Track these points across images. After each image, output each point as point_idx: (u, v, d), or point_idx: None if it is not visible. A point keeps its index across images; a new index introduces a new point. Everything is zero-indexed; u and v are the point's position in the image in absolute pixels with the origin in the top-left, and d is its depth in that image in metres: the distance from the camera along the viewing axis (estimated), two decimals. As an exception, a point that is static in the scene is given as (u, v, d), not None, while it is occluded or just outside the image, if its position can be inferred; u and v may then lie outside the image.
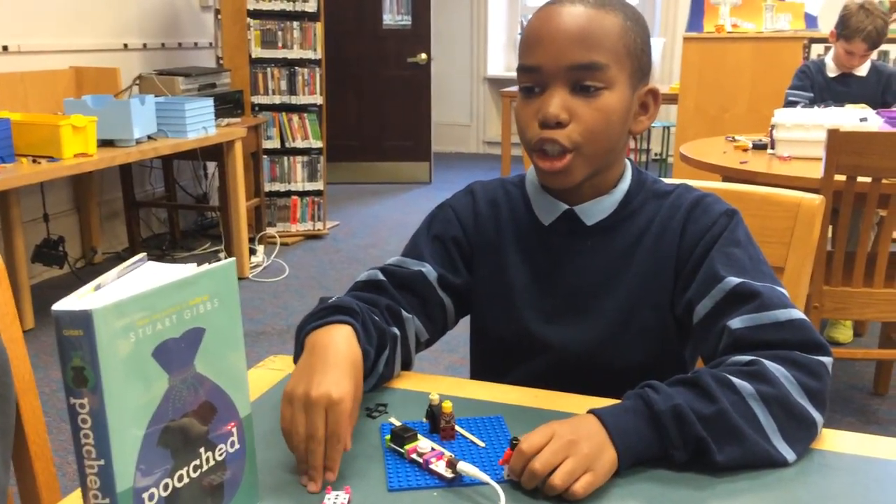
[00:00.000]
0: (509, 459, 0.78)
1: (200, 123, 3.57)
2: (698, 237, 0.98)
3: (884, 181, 2.10)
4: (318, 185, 4.66)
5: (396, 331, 0.99)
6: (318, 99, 4.56)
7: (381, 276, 1.03)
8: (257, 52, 4.41)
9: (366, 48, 6.13)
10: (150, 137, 3.41)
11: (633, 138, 5.47)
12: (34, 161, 2.91)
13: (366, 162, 6.28)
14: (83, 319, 0.58)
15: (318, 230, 4.70)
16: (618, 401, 0.83)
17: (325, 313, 0.91)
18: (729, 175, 2.54)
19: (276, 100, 4.51)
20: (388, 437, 0.84)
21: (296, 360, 0.90)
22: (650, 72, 0.99)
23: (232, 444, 0.72)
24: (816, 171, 2.21)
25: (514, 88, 1.13)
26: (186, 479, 0.67)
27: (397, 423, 0.87)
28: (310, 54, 4.51)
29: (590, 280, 1.02)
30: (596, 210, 1.02)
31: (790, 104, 3.27)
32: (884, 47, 4.26)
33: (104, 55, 4.15)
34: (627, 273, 1.01)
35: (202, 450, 0.69)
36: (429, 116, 6.25)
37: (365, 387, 0.96)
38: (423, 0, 6.04)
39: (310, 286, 3.83)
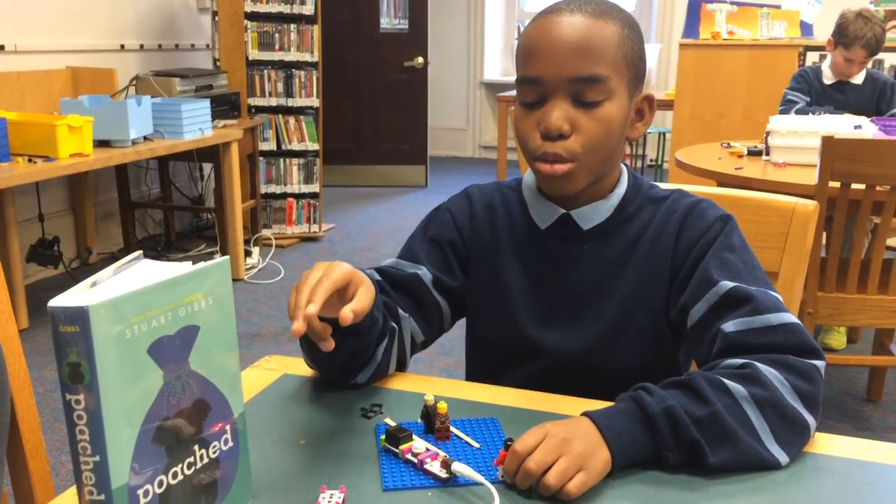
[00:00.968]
0: (504, 460, 0.78)
1: (197, 125, 3.57)
2: (693, 242, 0.98)
3: (877, 188, 2.12)
4: (314, 188, 4.66)
5: (395, 325, 1.00)
6: (315, 102, 4.57)
7: (377, 276, 1.04)
8: (254, 54, 4.41)
9: (363, 52, 6.13)
10: (146, 138, 3.41)
11: (628, 144, 5.44)
12: (30, 160, 2.90)
13: (362, 165, 6.28)
14: (79, 316, 0.58)
15: (314, 232, 4.70)
16: (612, 403, 0.83)
17: None
18: (724, 181, 2.55)
19: (273, 102, 4.51)
20: (383, 437, 0.85)
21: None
22: (645, 78, 1.00)
23: (226, 442, 0.72)
24: (811, 178, 2.22)
25: (511, 93, 1.13)
26: (181, 476, 0.67)
27: (392, 424, 0.87)
28: (307, 57, 4.51)
29: (585, 284, 1.02)
30: (592, 215, 1.02)
31: (788, 103, 3.28)
32: (879, 56, 4.28)
33: (101, 56, 4.15)
34: (623, 277, 1.01)
35: (196, 447, 0.69)
36: (425, 120, 6.25)
37: (361, 378, 0.96)
38: (420, 4, 6.05)
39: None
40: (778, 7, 4.45)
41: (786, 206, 1.25)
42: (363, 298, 0.83)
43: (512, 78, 1.01)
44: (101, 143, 3.22)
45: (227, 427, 0.72)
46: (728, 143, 3.15)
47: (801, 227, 1.23)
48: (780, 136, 2.68)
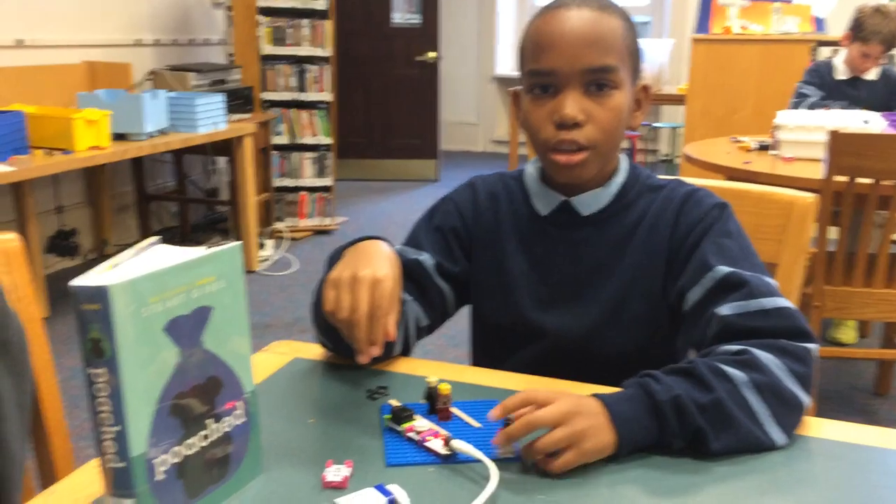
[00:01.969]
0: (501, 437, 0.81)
1: (211, 119, 3.61)
2: (690, 228, 1.02)
3: (883, 183, 2.13)
4: (327, 181, 4.71)
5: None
6: (328, 96, 4.61)
7: None
8: (268, 48, 4.46)
9: (375, 46, 6.17)
10: (161, 132, 3.46)
11: (640, 139, 5.41)
12: (48, 153, 2.96)
13: (374, 159, 6.32)
14: (101, 294, 0.62)
15: (327, 225, 4.75)
16: (613, 388, 0.86)
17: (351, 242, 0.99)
18: (732, 175, 2.56)
19: (286, 96, 4.55)
20: (387, 416, 0.88)
21: (316, 306, 1.00)
22: (640, 69, 1.03)
23: (237, 418, 0.76)
24: (818, 172, 2.24)
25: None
26: (196, 448, 0.71)
27: (397, 404, 0.91)
28: (319, 52, 4.55)
29: (584, 269, 1.05)
30: (591, 202, 1.05)
31: (801, 97, 3.28)
32: (893, 52, 4.27)
33: (117, 50, 4.21)
34: (621, 262, 1.04)
35: (210, 421, 0.73)
36: (437, 115, 6.29)
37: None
38: (432, -1, 6.09)
39: (317, 280, 3.87)
40: (790, 2, 4.45)
41: (785, 199, 1.27)
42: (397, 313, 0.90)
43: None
44: (118, 137, 3.27)
45: (239, 404, 0.76)
46: (737, 138, 3.16)
47: (799, 220, 1.25)
48: (788, 131, 2.69)
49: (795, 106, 3.27)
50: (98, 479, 0.66)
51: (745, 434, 0.82)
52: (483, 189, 1.13)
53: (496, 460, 0.80)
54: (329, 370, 1.04)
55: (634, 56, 1.01)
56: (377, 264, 0.90)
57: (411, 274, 1.07)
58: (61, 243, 3.71)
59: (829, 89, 3.33)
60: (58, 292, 3.41)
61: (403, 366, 1.05)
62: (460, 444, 0.81)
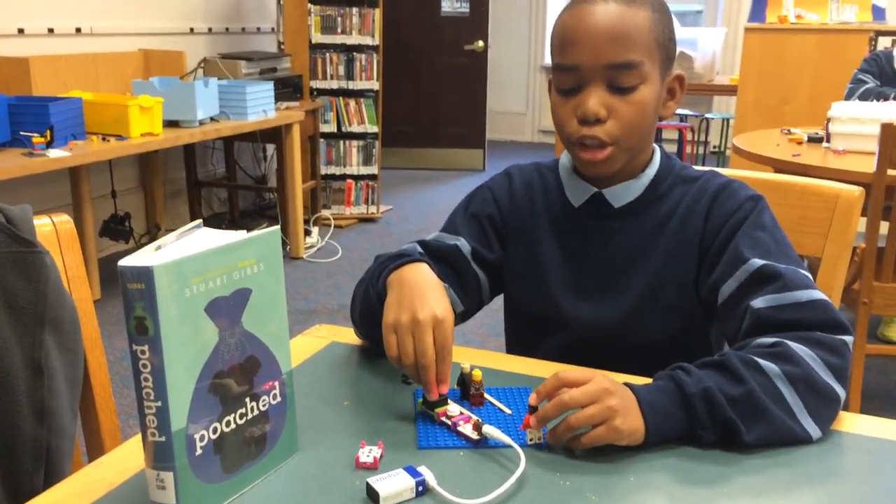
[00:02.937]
0: (529, 423, 0.82)
1: (261, 106, 3.68)
2: (723, 220, 1.01)
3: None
4: (373, 170, 4.75)
5: None
6: (375, 84, 4.64)
7: (418, 248, 1.09)
8: (317, 37, 4.51)
9: (423, 35, 6.18)
10: (212, 119, 3.54)
11: (690, 130, 5.29)
12: (104, 139, 3.05)
13: (420, 148, 6.35)
14: (145, 274, 0.64)
15: (372, 213, 4.79)
16: (645, 379, 0.87)
17: (395, 259, 1.00)
18: (781, 167, 2.52)
19: (334, 85, 4.60)
20: (420, 400, 0.90)
21: (363, 309, 1.01)
22: (675, 57, 1.03)
23: (274, 398, 0.78)
24: (870, 166, 2.18)
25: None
26: (233, 425, 0.74)
27: (430, 389, 0.92)
28: (368, 40, 4.58)
29: (617, 259, 1.06)
30: (624, 193, 1.06)
31: (858, 82, 3.21)
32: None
33: (171, 38, 4.30)
34: (653, 253, 1.04)
35: (248, 400, 0.75)
36: (484, 104, 6.28)
37: None
38: (481, -12, 6.07)
39: (361, 268, 3.89)
40: (849, -10, 4.33)
41: (830, 192, 1.25)
42: None
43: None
44: (170, 124, 3.35)
45: (276, 384, 0.79)
46: (788, 130, 3.10)
47: (844, 213, 1.23)
48: (841, 123, 2.63)
49: (852, 92, 3.20)
50: (142, 454, 0.70)
51: (779, 426, 0.82)
52: (519, 178, 1.14)
53: (525, 446, 0.82)
54: (365, 354, 1.06)
55: (665, 47, 1.00)
56: (433, 300, 0.89)
57: (448, 259, 1.09)
58: (115, 227, 3.81)
59: (887, 79, 3.24)
60: (110, 275, 3.52)
61: (438, 352, 1.06)
62: (491, 430, 0.83)
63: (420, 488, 0.74)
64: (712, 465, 0.81)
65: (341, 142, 4.69)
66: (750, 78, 4.24)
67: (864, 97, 3.09)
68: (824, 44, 4.09)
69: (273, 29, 5.11)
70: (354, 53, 4.60)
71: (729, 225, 1.00)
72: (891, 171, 2.09)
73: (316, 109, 4.51)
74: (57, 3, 3.70)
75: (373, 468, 0.79)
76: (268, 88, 3.74)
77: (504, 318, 1.20)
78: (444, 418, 0.87)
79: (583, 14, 0.97)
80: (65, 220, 1.06)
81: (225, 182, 4.70)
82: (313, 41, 4.51)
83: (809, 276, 0.94)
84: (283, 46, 4.61)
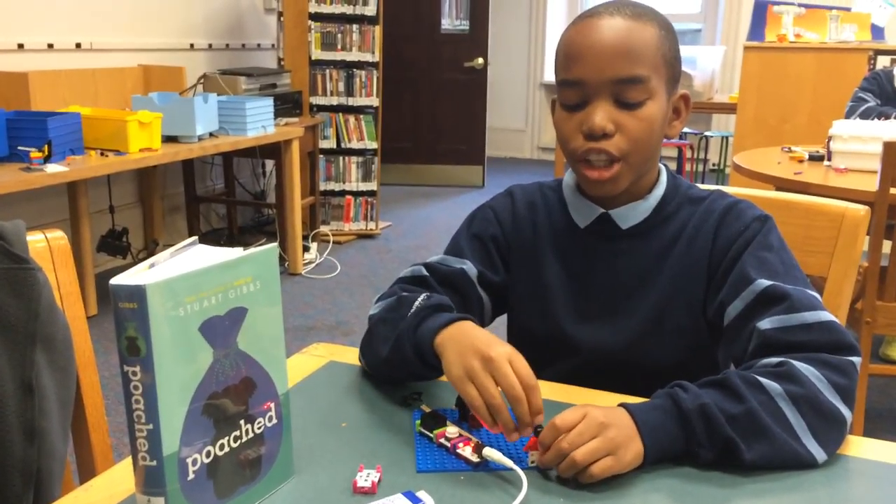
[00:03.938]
0: (534, 445, 0.80)
1: (260, 122, 3.67)
2: (731, 241, 0.99)
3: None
4: (372, 186, 4.74)
5: None
6: (375, 101, 4.64)
7: (424, 272, 1.07)
8: (317, 53, 4.51)
9: (423, 52, 6.20)
10: (211, 134, 3.53)
11: (689, 148, 5.29)
12: (102, 154, 3.03)
13: (420, 164, 6.34)
14: (137, 293, 0.63)
15: (371, 230, 4.78)
16: (646, 399, 0.85)
17: (433, 310, 0.94)
18: (782, 186, 2.51)
19: (334, 101, 4.60)
20: (418, 422, 0.88)
21: (393, 357, 0.94)
22: (680, 77, 1.01)
23: (270, 420, 0.76)
24: (873, 184, 2.17)
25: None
26: (227, 449, 0.72)
27: (428, 410, 0.90)
28: (368, 57, 4.59)
29: (623, 282, 1.04)
30: (631, 214, 1.04)
31: (858, 100, 3.21)
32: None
33: (171, 54, 4.30)
34: (660, 275, 1.03)
35: (242, 422, 0.73)
36: (484, 121, 6.28)
37: (432, 375, 0.97)
38: (481, 5, 6.08)
39: (360, 284, 3.90)
40: (848, 10, 4.34)
41: (835, 211, 1.23)
42: None
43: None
44: (170, 139, 3.34)
45: (272, 405, 0.76)
46: (789, 148, 3.09)
47: (850, 233, 1.22)
48: (843, 141, 2.62)
49: (852, 110, 3.19)
50: (132, 477, 0.67)
51: (781, 446, 0.80)
52: (521, 198, 1.12)
53: (526, 469, 0.80)
54: (363, 374, 1.04)
55: (671, 65, 0.98)
56: (494, 340, 0.85)
57: (454, 283, 1.07)
58: (112, 243, 3.79)
59: (888, 98, 3.24)
60: (107, 291, 3.48)
61: (438, 372, 1.04)
62: (491, 452, 0.81)
63: (419, 514, 0.72)
64: (718, 488, 0.79)
65: (340, 158, 4.68)
66: (749, 96, 4.25)
67: (865, 116, 3.09)
68: (823, 62, 4.10)
69: (273, 45, 5.12)
70: (354, 70, 4.60)
71: (736, 245, 0.99)
72: (893, 190, 2.08)
73: (315, 125, 4.51)
74: (57, 18, 3.70)
75: (371, 492, 0.77)
76: (267, 104, 3.74)
77: (507, 340, 1.17)
78: (442, 440, 0.85)
79: (589, 29, 0.96)
80: (58, 236, 1.04)
81: (224, 198, 4.69)
82: (313, 57, 4.51)
83: (818, 296, 0.93)
84: (283, 63, 4.61)
